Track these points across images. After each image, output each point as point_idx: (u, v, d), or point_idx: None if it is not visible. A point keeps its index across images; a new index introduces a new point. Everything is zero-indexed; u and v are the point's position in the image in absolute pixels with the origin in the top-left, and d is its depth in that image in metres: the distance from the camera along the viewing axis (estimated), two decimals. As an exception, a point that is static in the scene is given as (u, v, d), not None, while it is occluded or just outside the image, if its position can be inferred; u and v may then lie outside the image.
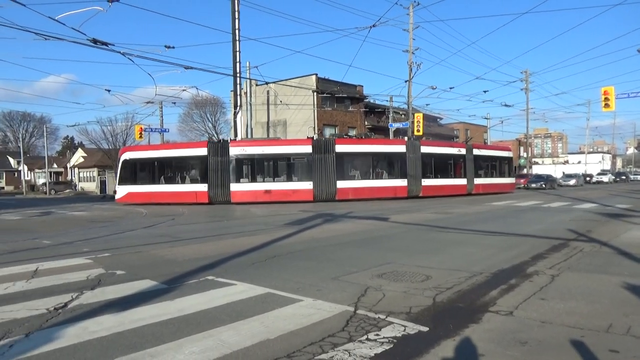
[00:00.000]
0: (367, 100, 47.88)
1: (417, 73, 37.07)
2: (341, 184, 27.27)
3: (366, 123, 47.97)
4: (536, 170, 66.77)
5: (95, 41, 15.82)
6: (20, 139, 70.30)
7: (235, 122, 32.71)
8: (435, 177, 30.57)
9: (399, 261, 7.97)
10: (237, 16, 29.85)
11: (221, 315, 5.01)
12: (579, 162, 76.55)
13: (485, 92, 39.30)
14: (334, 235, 11.84)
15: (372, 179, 28.48)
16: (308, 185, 26.99)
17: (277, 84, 39.57)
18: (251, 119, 36.08)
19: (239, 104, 31.13)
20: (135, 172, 28.57)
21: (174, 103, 42.77)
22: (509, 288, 6.05)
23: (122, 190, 28.62)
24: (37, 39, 15.49)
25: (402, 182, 28.79)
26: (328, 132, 43.64)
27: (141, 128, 38.66)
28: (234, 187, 26.65)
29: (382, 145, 30.45)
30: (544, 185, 43.33)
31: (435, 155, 30.95)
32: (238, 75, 30.01)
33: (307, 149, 27.28)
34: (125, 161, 28.75)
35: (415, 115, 34.42)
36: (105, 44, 16.14)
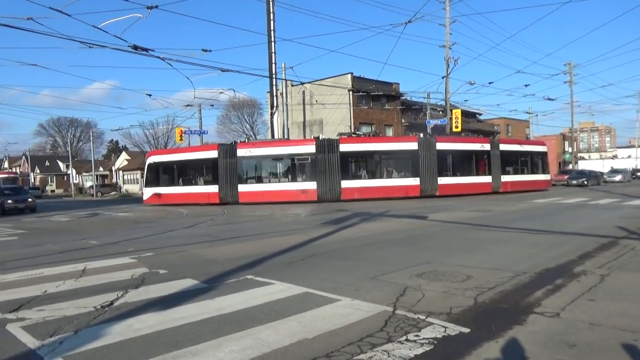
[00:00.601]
0: (403, 97, 47.30)
1: (454, 68, 36.13)
2: (346, 184, 26.87)
3: (403, 121, 47.42)
4: (582, 165, 64.22)
5: (136, 47, 16.30)
6: (69, 144, 73.56)
7: (272, 122, 33.04)
8: (454, 175, 28.91)
9: (438, 260, 7.83)
10: (272, 17, 30.14)
11: (260, 314, 5.05)
12: (629, 157, 73.11)
13: (526, 86, 39.14)
14: (371, 234, 11.76)
15: (380, 178, 27.67)
16: (312, 185, 26.82)
17: (312, 83, 39.68)
18: (287, 120, 36.34)
19: (275, 104, 31.41)
20: (159, 174, 30.42)
21: (212, 105, 43.52)
22: (555, 288, 5.82)
23: (148, 192, 30.45)
24: (82, 47, 16.16)
25: (414, 181, 27.57)
26: (364, 130, 43.44)
27: (181, 130, 39.65)
28: (242, 187, 27.39)
29: (391, 143, 29.53)
30: (586, 182, 40.86)
31: (454, 152, 29.15)
32: (274, 76, 30.28)
33: (311, 149, 27.04)
34: (150, 164, 30.86)
35: (453, 111, 33.73)
36: (145, 49, 16.62)
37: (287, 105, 35.89)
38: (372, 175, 27.78)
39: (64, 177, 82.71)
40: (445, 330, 4.35)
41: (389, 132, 45.91)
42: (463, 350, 3.87)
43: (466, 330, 4.36)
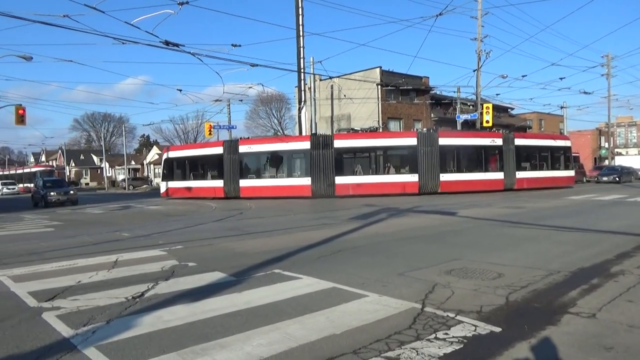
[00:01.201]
0: (433, 91, 46.64)
1: (486, 62, 35.23)
2: (340, 180, 26.79)
3: (432, 115, 46.77)
4: (619, 161, 62.00)
5: (167, 43, 16.53)
6: (102, 138, 75.44)
7: (299, 117, 33.09)
8: (460, 171, 27.85)
9: (468, 257, 7.68)
10: (301, 12, 30.10)
11: (287, 308, 5.06)
12: (670, 153, 70.15)
13: (561, 79, 37.60)
14: (399, 230, 11.64)
15: (375, 174, 27.26)
16: (307, 181, 26.97)
17: (340, 78, 39.50)
18: (315, 114, 36.31)
19: (303, 99, 31.42)
20: (173, 169, 31.99)
21: (241, 100, 44.01)
22: (591, 288, 5.63)
23: (164, 186, 32.31)
24: (116, 44, 16.46)
25: (412, 178, 26.90)
26: (393, 125, 43.05)
27: (210, 125, 40.12)
28: (242, 182, 28.23)
29: (388, 139, 28.77)
30: (617, 179, 38.44)
31: (459, 147, 28.21)
32: (302, 70, 30.27)
33: (306, 145, 27.24)
34: (165, 160, 32.76)
35: (484, 105, 33.00)
36: (176, 45, 16.84)
37: (314, 99, 35.84)
38: (368, 171, 27.50)
39: (97, 171, 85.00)
40: (475, 329, 4.26)
41: (418, 126, 45.35)
42: (494, 350, 3.77)
43: (497, 329, 4.26)
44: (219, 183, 28.74)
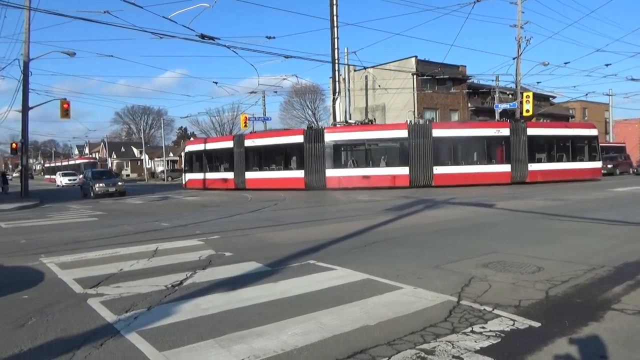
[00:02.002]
0: (470, 80, 45.59)
1: (526, 49, 34.11)
2: (330, 173, 27.20)
3: (469, 105, 45.77)
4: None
5: (203, 36, 16.79)
6: (142, 131, 77.57)
7: (334, 108, 33.03)
8: (457, 163, 26.87)
9: (506, 250, 7.52)
10: (335, 2, 29.93)
11: (322, 299, 5.09)
12: None
13: (607, 65, 35.26)
14: (435, 221, 11.50)
15: (366, 167, 27.25)
16: (300, 173, 27.73)
17: (375, 68, 39.15)
18: (350, 105, 36.17)
19: (337, 90, 31.33)
20: (192, 162, 34.44)
21: (275, 92, 44.32)
22: (637, 284, 5.41)
23: (184, 178, 35.35)
24: (153, 38, 17.10)
25: (403, 170, 26.48)
26: (428, 115, 42.37)
27: (246, 117, 40.61)
28: (248, 175, 30.15)
29: (379, 132, 28.18)
30: None
31: (456, 139, 27.24)
32: (336, 61, 30.15)
33: (299, 139, 27.85)
34: (186, 153, 35.39)
35: (524, 94, 32.01)
36: (212, 38, 17.07)
37: (349, 90, 35.70)
38: (358, 164, 27.47)
39: (137, 162, 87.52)
40: (513, 324, 4.17)
41: (454, 116, 44.51)
42: (533, 346, 3.69)
43: (536, 324, 4.16)
44: (230, 175, 30.84)
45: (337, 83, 31.34)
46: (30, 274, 6.77)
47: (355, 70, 41.85)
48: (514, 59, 33.17)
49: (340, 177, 27.20)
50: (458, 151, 27.45)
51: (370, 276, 6.01)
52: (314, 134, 27.76)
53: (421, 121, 30.34)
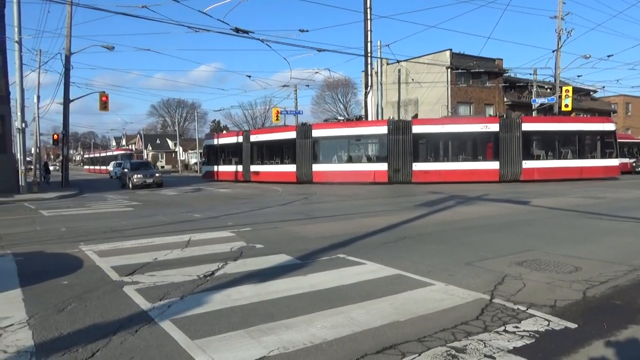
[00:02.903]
0: (506, 74, 44.42)
1: (566, 41, 33.05)
2: (316, 168, 28.30)
3: (505, 99, 44.65)
4: None
5: (237, 30, 16.94)
6: (176, 123, 79.09)
7: (365, 102, 32.80)
8: (437, 160, 26.54)
9: (541, 249, 7.32)
10: (368, -5, 29.61)
11: (351, 293, 5.08)
12: None
13: None
14: (467, 218, 11.30)
15: (349, 162, 28.01)
16: (292, 168, 29.09)
17: (408, 61, 38.62)
18: (382, 99, 35.83)
19: (369, 84, 31.09)
20: (209, 155, 38.13)
21: (307, 86, 44.45)
22: (681, 287, 5.18)
23: (203, 169, 40.14)
24: (189, 32, 17.15)
25: (382, 167, 26.55)
26: (463, 110, 41.59)
27: (277, 111, 40.84)
28: (253, 167, 32.19)
29: (359, 128, 28.26)
30: None
31: (437, 135, 26.59)
32: (369, 55, 29.91)
33: (292, 134, 28.99)
34: (204, 147, 40.43)
35: (563, 88, 31.00)
36: (246, 32, 17.21)
37: (381, 84, 35.36)
38: (341, 160, 28.25)
39: (172, 154, 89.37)
40: (548, 324, 4.06)
41: (489, 111, 43.52)
42: (569, 347, 3.58)
43: (573, 325, 4.03)
44: (240, 167, 33.29)
45: (369, 77, 31.08)
46: (69, 261, 7.02)
47: (388, 64, 41.41)
48: (553, 51, 32.19)
49: (324, 172, 28.02)
50: (439, 148, 27.16)
51: (401, 271, 5.96)
52: (304, 131, 29.15)
53: (396, 118, 31.39)
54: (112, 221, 12.00)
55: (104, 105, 27.69)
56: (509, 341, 3.69)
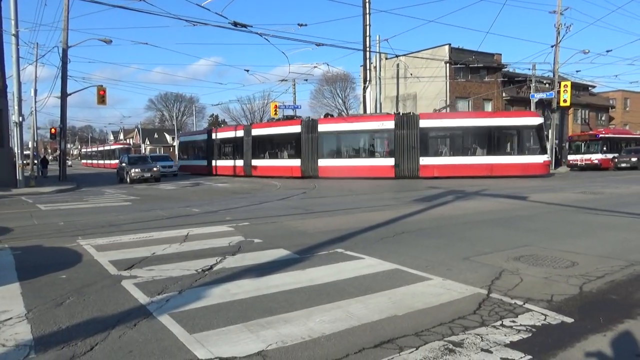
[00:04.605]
0: (505, 69, 44.38)
1: (565, 36, 32.96)
2: (254, 162, 32.44)
3: (504, 94, 44.62)
4: None
5: (235, 24, 16.87)
6: (174, 117, 78.90)
7: (364, 97, 32.78)
8: (340, 156, 28.20)
9: (538, 244, 7.35)
10: (367, -11, 29.53)
11: (349, 287, 5.10)
12: None
13: None
14: (465, 213, 11.33)
15: (268, 158, 31.75)
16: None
17: (407, 56, 38.58)
18: (380, 94, 35.80)
19: (368, 78, 31.04)
20: (186, 149, 42.63)
21: (306, 80, 44.47)
22: (677, 282, 5.21)
23: (179, 164, 42.72)
24: (187, 26, 17.09)
25: (296, 162, 28.96)
26: (461, 105, 41.57)
27: (276, 105, 40.80)
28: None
29: (278, 127, 31.26)
30: None
31: (341, 133, 28.22)
32: (368, 49, 29.84)
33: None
34: (179, 142, 47.08)
35: (562, 83, 31.02)
36: (244, 25, 17.14)
37: (380, 79, 35.31)
38: (265, 156, 31.41)
39: (170, 149, 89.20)
40: (545, 319, 4.08)
41: (488, 106, 43.54)
42: (565, 342, 3.61)
43: (569, 320, 4.06)
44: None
45: (368, 71, 31.04)
46: (68, 255, 7.03)
47: (386, 59, 41.31)
48: (552, 46, 32.20)
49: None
50: (342, 145, 28.57)
51: (399, 266, 5.98)
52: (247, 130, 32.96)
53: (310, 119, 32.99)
54: (110, 215, 11.99)
55: (102, 99, 27.60)
56: (505, 335, 3.72)
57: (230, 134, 35.86)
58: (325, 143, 28.60)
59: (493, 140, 26.13)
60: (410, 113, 28.32)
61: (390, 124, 26.65)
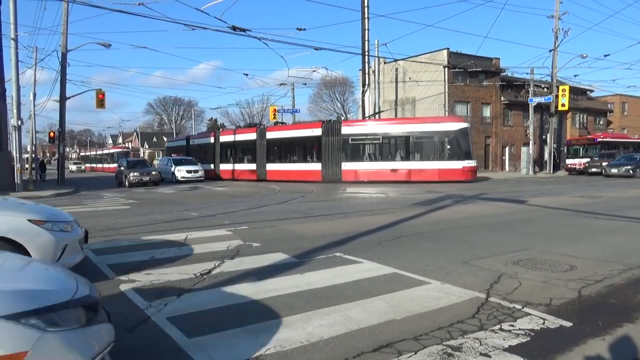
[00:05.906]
0: (503, 73, 44.50)
1: (563, 41, 33.19)
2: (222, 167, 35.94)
3: (502, 98, 44.74)
4: None
5: (234, 28, 16.92)
6: (173, 121, 78.89)
7: (363, 101, 32.85)
8: (283, 161, 30.89)
9: (537, 248, 7.35)
10: (366, -7, 29.64)
11: (348, 291, 5.10)
12: None
13: None
14: (465, 217, 11.33)
15: (232, 163, 35.00)
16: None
17: (406, 60, 38.65)
18: (379, 98, 35.88)
19: (367, 82, 31.12)
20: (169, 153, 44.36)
21: (305, 84, 44.45)
22: (676, 286, 5.21)
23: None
24: (186, 30, 17.37)
25: (252, 167, 32.60)
26: (459, 109, 41.67)
27: (275, 109, 40.85)
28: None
29: (239, 135, 34.78)
30: (632, 171, 28.66)
31: (283, 140, 31.03)
32: (366, 53, 29.93)
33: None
34: (166, 147, 48.16)
35: (560, 88, 31.14)
36: (243, 30, 17.19)
37: (379, 83, 35.41)
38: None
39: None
40: (543, 323, 4.08)
41: (487, 110, 43.65)
42: (564, 346, 3.60)
43: (568, 324, 4.06)
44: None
45: (366, 75, 31.12)
46: (66, 259, 6.99)
47: (385, 63, 41.43)
48: (550, 51, 32.30)
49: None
50: (283, 151, 31.26)
51: (398, 270, 5.98)
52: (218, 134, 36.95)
53: (262, 126, 37.30)
54: (108, 219, 11.97)
55: (101, 103, 27.61)
56: (504, 339, 3.71)
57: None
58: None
59: (411, 146, 26.68)
60: (332, 121, 30.75)
61: (318, 131, 28.78)
